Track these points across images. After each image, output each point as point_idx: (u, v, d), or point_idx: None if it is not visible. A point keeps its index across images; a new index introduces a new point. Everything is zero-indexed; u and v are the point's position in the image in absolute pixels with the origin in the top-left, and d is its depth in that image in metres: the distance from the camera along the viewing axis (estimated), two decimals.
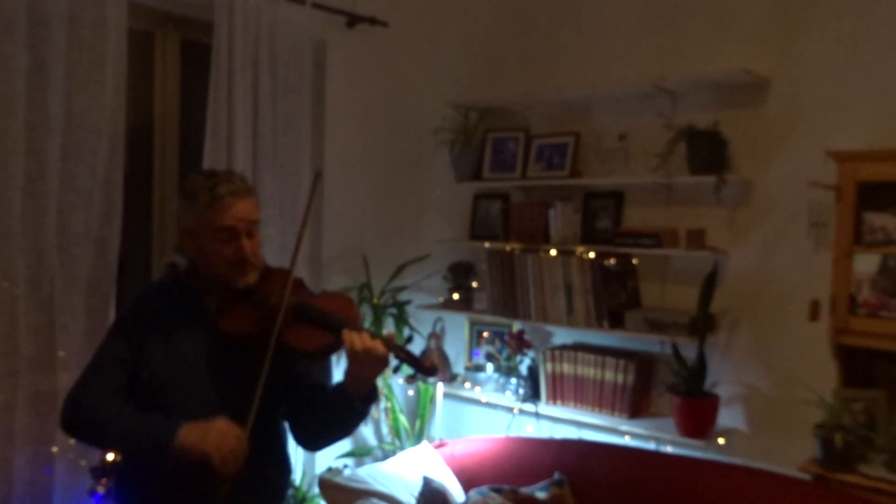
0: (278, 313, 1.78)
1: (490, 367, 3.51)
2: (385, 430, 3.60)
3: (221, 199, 1.78)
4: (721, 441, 2.83)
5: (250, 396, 1.73)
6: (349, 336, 1.73)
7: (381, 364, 1.75)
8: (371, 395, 1.83)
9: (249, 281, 1.86)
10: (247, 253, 1.82)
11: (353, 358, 1.72)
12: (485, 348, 3.59)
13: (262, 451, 1.89)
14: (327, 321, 1.79)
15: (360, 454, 3.47)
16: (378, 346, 1.72)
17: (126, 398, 1.84)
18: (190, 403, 1.77)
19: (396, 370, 1.89)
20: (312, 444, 1.97)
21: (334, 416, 1.84)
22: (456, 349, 3.69)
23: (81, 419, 1.78)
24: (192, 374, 1.83)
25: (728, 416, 2.89)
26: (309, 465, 3.30)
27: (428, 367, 1.82)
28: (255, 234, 1.85)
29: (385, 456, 3.35)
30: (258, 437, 1.87)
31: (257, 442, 1.87)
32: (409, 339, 1.90)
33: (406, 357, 1.81)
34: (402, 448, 3.37)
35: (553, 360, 3.20)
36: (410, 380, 1.90)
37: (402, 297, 3.53)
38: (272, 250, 2.90)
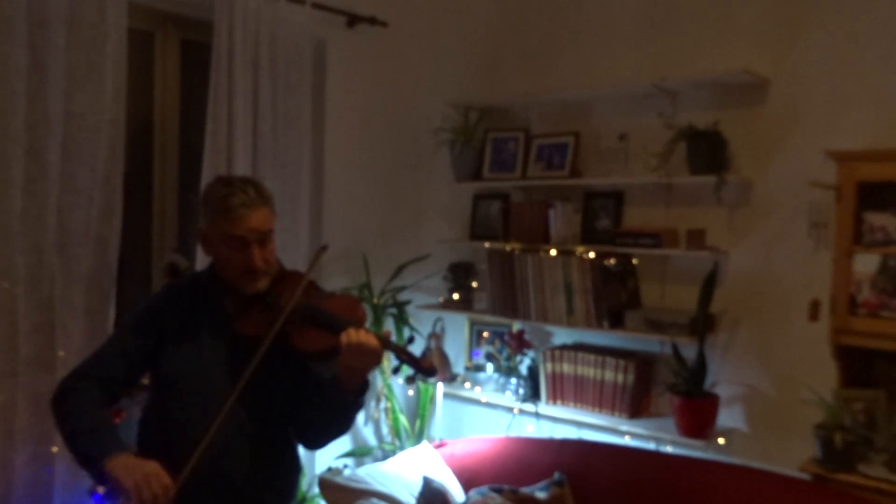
0: (288, 311, 1.80)
1: (490, 367, 3.51)
2: (385, 430, 3.61)
3: (233, 210, 1.80)
4: (721, 441, 2.83)
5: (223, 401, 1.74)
6: (345, 331, 1.76)
7: (373, 358, 1.77)
8: (363, 389, 1.85)
9: (259, 288, 1.88)
10: (256, 263, 1.84)
11: (347, 350, 1.75)
12: (485, 348, 3.59)
13: (274, 449, 1.91)
14: (333, 323, 1.80)
15: (360, 454, 3.47)
16: (371, 340, 1.75)
17: (122, 391, 1.89)
18: (206, 403, 1.79)
19: (396, 371, 1.91)
20: (312, 440, 1.99)
21: (328, 409, 1.86)
22: (456, 349, 3.69)
23: (57, 402, 1.82)
24: (210, 374, 1.85)
25: (728, 416, 2.89)
26: (309, 465, 3.29)
27: (426, 367, 1.83)
28: (267, 242, 1.87)
29: (385, 456, 3.35)
30: (271, 435, 1.89)
31: (269, 440, 1.89)
32: (410, 340, 1.91)
33: (404, 357, 1.83)
34: (402, 448, 3.37)
35: (553, 360, 3.20)
36: (410, 381, 1.92)
37: (402, 297, 3.53)
38: None
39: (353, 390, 1.82)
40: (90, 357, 1.91)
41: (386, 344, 1.80)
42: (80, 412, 1.77)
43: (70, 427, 1.76)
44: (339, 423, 1.91)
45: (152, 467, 1.67)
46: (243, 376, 1.75)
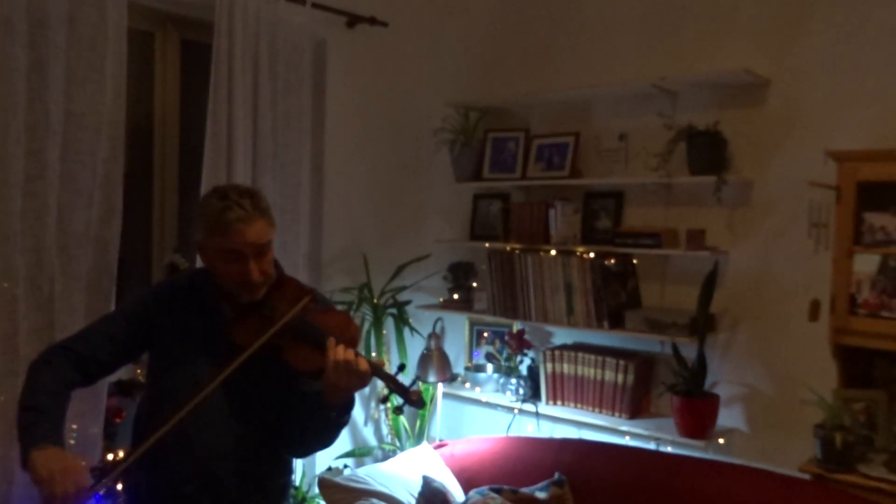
0: (279, 327, 1.79)
1: (490, 367, 3.51)
2: (385, 430, 3.61)
3: (230, 226, 1.77)
4: (721, 441, 2.83)
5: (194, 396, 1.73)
6: (332, 346, 1.73)
7: (358, 381, 1.74)
8: (347, 407, 1.82)
9: (255, 298, 1.86)
10: (252, 276, 1.81)
11: (332, 368, 1.72)
12: (485, 348, 3.59)
13: (264, 453, 1.90)
14: (323, 341, 1.77)
15: (360, 454, 3.47)
16: (360, 363, 1.72)
17: (101, 373, 1.90)
18: (197, 407, 1.77)
19: (385, 400, 1.87)
20: (293, 450, 1.96)
21: (311, 422, 1.84)
22: (456, 349, 3.69)
23: (32, 369, 1.81)
24: (201, 379, 1.82)
25: (728, 416, 2.89)
26: (309, 465, 3.30)
27: (415, 398, 1.80)
28: (264, 253, 1.84)
29: (385, 456, 3.35)
30: (261, 440, 1.88)
31: (260, 444, 1.89)
32: (401, 368, 1.89)
33: (392, 386, 1.80)
34: (402, 448, 3.37)
35: (553, 360, 3.20)
36: (398, 411, 1.90)
37: (403, 297, 3.53)
38: None
39: (336, 407, 1.79)
40: (81, 332, 1.92)
41: (375, 371, 1.77)
42: (42, 391, 1.75)
43: (24, 401, 1.74)
44: (319, 437, 1.88)
45: (72, 465, 1.61)
46: (218, 377, 1.73)
